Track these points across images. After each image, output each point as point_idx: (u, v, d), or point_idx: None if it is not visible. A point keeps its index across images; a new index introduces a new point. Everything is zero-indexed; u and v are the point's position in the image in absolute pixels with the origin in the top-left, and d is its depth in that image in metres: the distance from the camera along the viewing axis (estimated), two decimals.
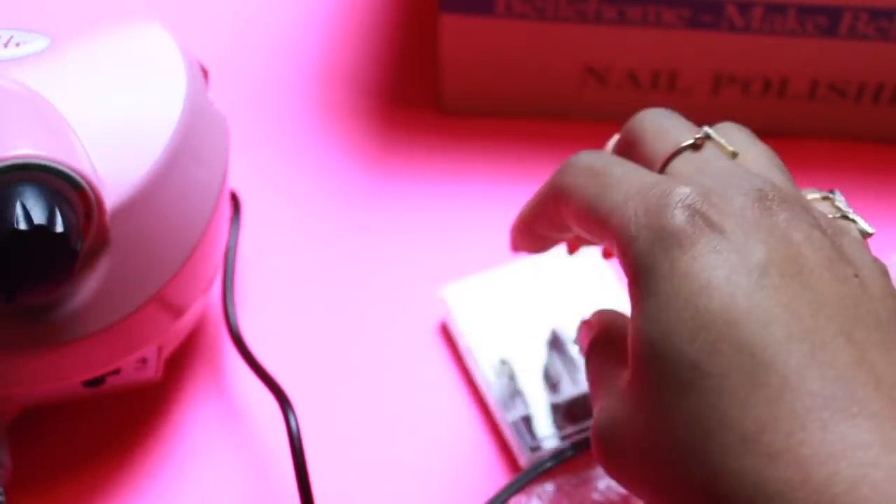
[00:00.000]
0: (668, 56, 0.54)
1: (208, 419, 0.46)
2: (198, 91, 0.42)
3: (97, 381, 0.42)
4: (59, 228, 0.35)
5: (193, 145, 0.41)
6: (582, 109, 0.56)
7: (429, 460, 0.45)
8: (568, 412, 0.45)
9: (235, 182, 0.55)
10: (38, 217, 0.35)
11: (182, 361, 0.47)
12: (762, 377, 0.28)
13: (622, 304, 0.48)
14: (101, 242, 0.38)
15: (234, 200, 0.49)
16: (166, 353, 0.44)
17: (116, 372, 0.43)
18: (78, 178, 0.36)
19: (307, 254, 0.52)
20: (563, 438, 0.44)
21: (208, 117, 0.43)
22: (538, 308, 0.48)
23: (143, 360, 0.43)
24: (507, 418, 0.45)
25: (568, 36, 0.53)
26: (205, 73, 0.44)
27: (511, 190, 0.54)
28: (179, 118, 0.40)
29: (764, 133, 0.57)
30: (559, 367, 0.46)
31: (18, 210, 0.35)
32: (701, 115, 0.56)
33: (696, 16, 0.52)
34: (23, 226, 0.34)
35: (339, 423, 0.46)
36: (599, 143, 0.56)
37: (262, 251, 0.52)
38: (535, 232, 0.40)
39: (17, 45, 0.40)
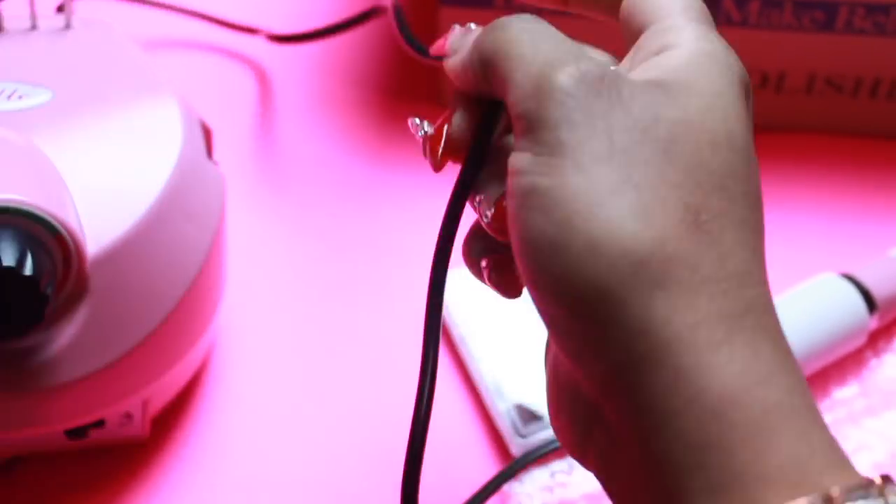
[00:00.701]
0: None
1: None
2: (194, 151, 0.43)
3: (80, 433, 0.42)
4: (28, 272, 0.35)
5: (184, 202, 0.41)
6: None
7: None
8: None
9: (235, 176, 0.55)
10: (8, 259, 0.35)
11: (170, 418, 0.46)
12: None
13: None
14: (81, 290, 0.39)
15: None
16: (154, 409, 0.44)
17: (100, 425, 0.43)
18: (55, 223, 0.37)
19: (306, 244, 0.52)
20: None
21: (204, 176, 0.43)
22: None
23: (129, 416, 0.43)
24: (499, 407, 0.45)
25: (565, 30, 0.53)
26: (208, 133, 0.45)
27: None
28: (170, 176, 0.41)
29: (761, 127, 0.57)
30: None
31: None
32: None
33: None
34: None
35: (333, 411, 0.47)
36: None
37: (261, 241, 0.52)
38: None
39: (20, 97, 0.42)
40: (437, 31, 0.56)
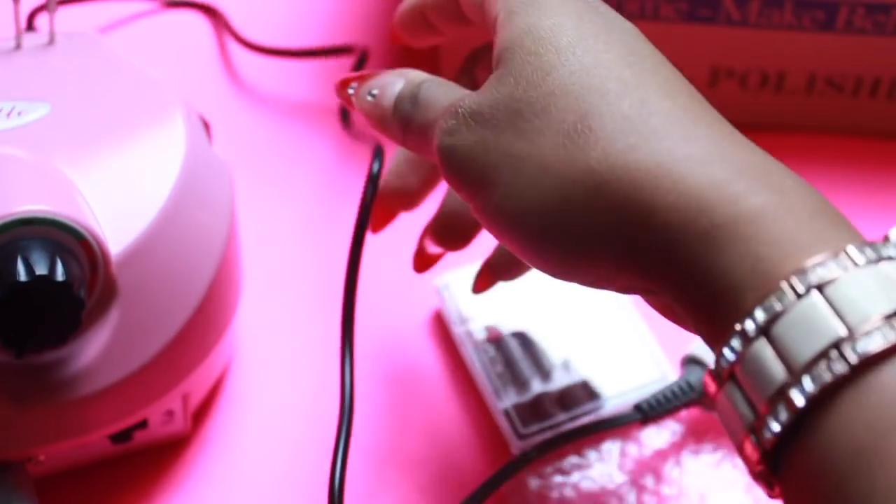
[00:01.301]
0: (666, 49, 0.53)
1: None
2: (198, 142, 0.43)
3: (125, 436, 0.43)
4: (61, 277, 0.35)
5: (196, 192, 0.42)
6: None
7: (421, 447, 0.46)
8: (560, 400, 0.45)
9: (235, 172, 0.55)
10: (40, 268, 0.35)
11: (208, 412, 0.47)
12: None
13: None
14: (110, 292, 0.39)
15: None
16: (193, 403, 0.44)
17: (143, 426, 0.43)
18: (79, 228, 0.37)
19: (304, 243, 0.52)
20: (555, 426, 0.45)
21: (210, 166, 0.44)
22: (530, 296, 0.48)
23: (170, 413, 0.43)
24: (499, 406, 0.45)
25: None
26: (206, 125, 0.45)
27: None
28: (181, 167, 0.41)
29: (761, 127, 0.57)
30: (552, 356, 0.46)
31: (20, 264, 0.35)
32: None
33: (694, 9, 0.52)
34: (24, 277, 0.35)
35: (333, 410, 0.47)
36: None
37: (260, 241, 0.52)
38: (425, 18, 0.41)
39: (20, 114, 0.42)
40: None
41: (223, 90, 0.59)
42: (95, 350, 0.39)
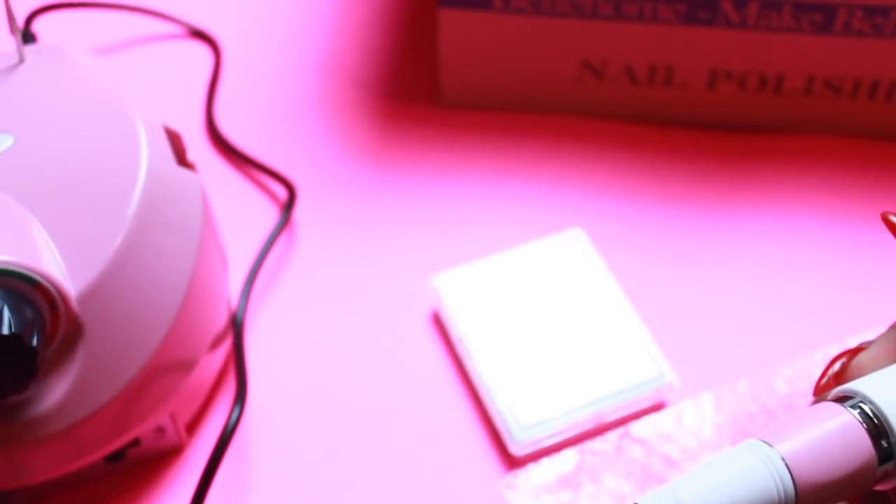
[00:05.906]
0: (665, 51, 0.54)
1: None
2: (160, 163, 0.42)
3: (118, 456, 0.43)
4: (6, 331, 0.34)
5: (159, 216, 0.41)
6: (578, 104, 0.57)
7: (420, 447, 0.46)
8: (558, 400, 0.45)
9: (234, 179, 0.55)
10: None
11: (207, 420, 0.47)
12: None
13: (607, 288, 0.48)
14: (75, 328, 0.38)
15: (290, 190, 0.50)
16: (185, 417, 0.44)
17: (136, 444, 0.43)
18: (31, 274, 0.36)
19: (304, 243, 0.52)
20: (553, 426, 0.45)
21: (175, 185, 0.42)
22: (528, 295, 0.49)
23: (161, 429, 0.43)
24: (497, 405, 0.45)
25: (565, 31, 0.54)
26: (175, 137, 0.44)
27: (506, 182, 0.55)
28: (140, 196, 0.40)
29: (760, 129, 0.57)
30: (550, 355, 0.46)
31: None
32: (697, 111, 0.56)
33: (693, 11, 0.52)
34: None
35: (333, 411, 0.47)
36: (594, 138, 0.56)
37: (260, 241, 0.52)
38: None
39: None
40: (437, 34, 0.56)
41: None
42: (72, 382, 0.38)
